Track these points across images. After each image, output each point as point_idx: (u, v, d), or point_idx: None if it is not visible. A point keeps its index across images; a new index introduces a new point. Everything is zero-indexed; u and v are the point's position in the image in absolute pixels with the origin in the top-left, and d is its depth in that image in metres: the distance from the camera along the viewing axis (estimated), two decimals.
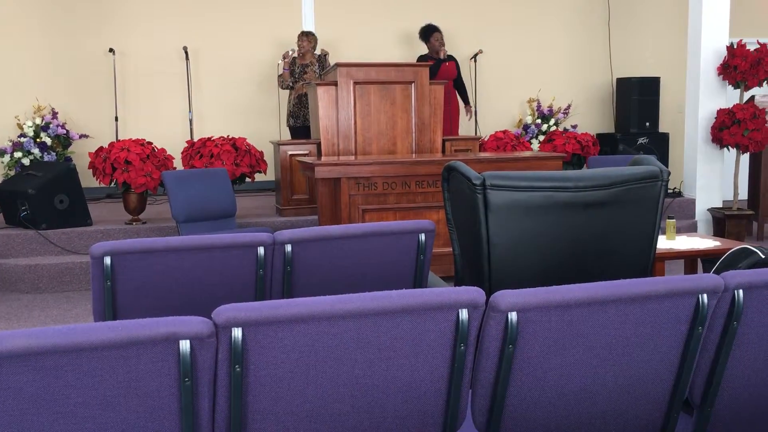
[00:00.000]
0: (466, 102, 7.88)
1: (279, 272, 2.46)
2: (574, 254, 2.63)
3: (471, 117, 8.00)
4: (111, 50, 7.80)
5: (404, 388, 1.63)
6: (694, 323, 1.71)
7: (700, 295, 1.70)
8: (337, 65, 6.01)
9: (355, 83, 5.93)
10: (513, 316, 1.58)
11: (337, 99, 5.92)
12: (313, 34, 7.52)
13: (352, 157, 5.70)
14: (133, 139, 6.03)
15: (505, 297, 1.59)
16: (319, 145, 6.03)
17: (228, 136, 6.32)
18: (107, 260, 2.30)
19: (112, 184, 5.90)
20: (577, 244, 2.62)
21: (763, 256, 2.26)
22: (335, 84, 5.93)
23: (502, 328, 1.59)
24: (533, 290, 1.62)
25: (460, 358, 1.60)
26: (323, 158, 5.65)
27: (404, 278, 2.61)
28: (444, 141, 6.23)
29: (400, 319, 1.54)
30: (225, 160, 6.02)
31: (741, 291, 1.71)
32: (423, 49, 7.85)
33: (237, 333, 1.47)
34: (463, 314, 1.55)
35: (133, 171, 5.71)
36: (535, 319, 1.62)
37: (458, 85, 7.85)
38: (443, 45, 7.72)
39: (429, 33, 7.75)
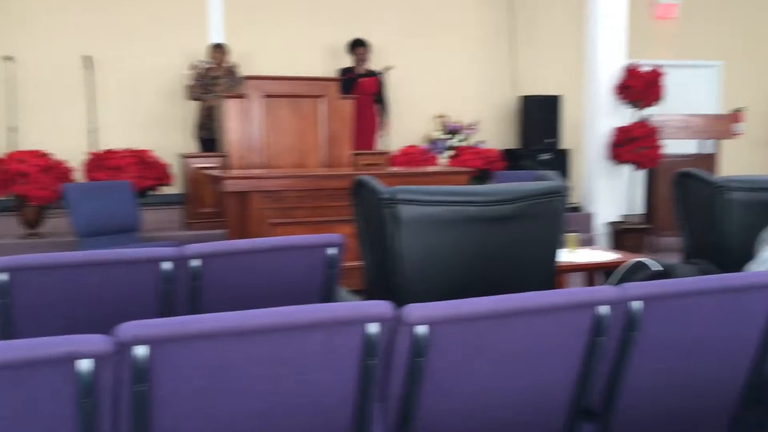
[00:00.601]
0: (384, 119, 7.96)
1: (185, 288, 2.41)
2: (481, 268, 2.68)
3: (386, 134, 8.08)
4: (9, 58, 7.48)
5: (314, 403, 1.62)
6: (593, 334, 1.77)
7: (599, 307, 1.76)
8: (247, 78, 5.95)
9: (265, 96, 5.89)
10: (422, 329, 1.60)
11: (246, 112, 5.87)
12: (224, 46, 7.43)
13: (262, 171, 5.65)
14: (31, 150, 5.80)
15: (413, 310, 1.60)
16: (227, 158, 5.94)
17: (133, 148, 6.16)
18: (4, 276, 2.20)
19: (8, 197, 5.65)
20: (484, 257, 2.67)
21: (658, 269, 2.36)
22: (244, 97, 5.87)
23: (411, 342, 1.60)
24: (442, 303, 1.64)
25: (369, 371, 1.60)
26: (232, 171, 5.58)
27: (313, 293, 2.60)
28: (354, 155, 6.25)
29: (309, 334, 1.54)
30: (129, 172, 5.86)
31: (638, 302, 1.78)
32: (346, 61, 7.89)
33: (141, 351, 1.43)
34: (372, 328, 1.56)
35: (31, 183, 5.49)
36: (444, 331, 1.64)
37: (380, 101, 7.93)
38: (365, 60, 7.78)
39: (353, 47, 7.80)
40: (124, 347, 1.42)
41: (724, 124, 8.05)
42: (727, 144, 8.62)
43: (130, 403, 1.45)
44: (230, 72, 7.33)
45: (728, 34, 10.20)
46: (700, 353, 1.93)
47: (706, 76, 10.45)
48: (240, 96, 5.89)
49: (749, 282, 1.93)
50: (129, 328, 1.42)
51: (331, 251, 2.56)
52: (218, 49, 7.35)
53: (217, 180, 5.12)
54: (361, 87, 7.68)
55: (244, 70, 7.24)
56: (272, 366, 1.54)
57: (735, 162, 9.33)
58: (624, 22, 7.58)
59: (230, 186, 4.95)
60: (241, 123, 5.86)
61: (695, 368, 1.94)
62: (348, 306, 1.58)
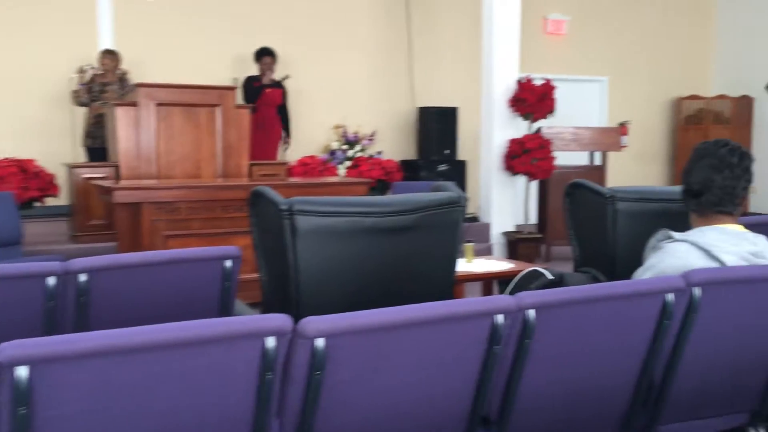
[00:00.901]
0: (287, 129, 7.91)
1: (72, 304, 2.30)
2: (380, 279, 2.68)
3: (287, 147, 8.03)
4: None
5: (212, 421, 1.57)
6: (490, 342, 1.79)
7: (495, 316, 1.79)
8: (138, 86, 5.77)
9: (158, 105, 5.73)
10: (320, 342, 1.57)
11: (137, 120, 5.68)
12: (115, 53, 7.18)
13: (154, 181, 5.48)
14: None
15: (312, 323, 1.58)
16: (117, 168, 5.74)
17: (15, 157, 5.86)
18: None
19: None
20: (383, 268, 2.67)
21: (551, 277, 2.42)
22: (136, 105, 5.69)
23: (310, 355, 1.58)
24: (340, 316, 1.62)
25: (267, 386, 1.57)
26: (123, 182, 5.39)
27: (209, 307, 2.53)
28: (251, 165, 6.16)
29: (204, 350, 1.49)
30: (11, 183, 5.58)
31: (532, 311, 1.82)
32: (252, 70, 7.79)
33: (22, 372, 1.34)
34: (270, 342, 1.53)
35: None
36: (343, 344, 1.62)
37: (282, 112, 7.88)
38: (271, 70, 7.71)
39: (259, 56, 7.72)
40: (3, 368, 1.33)
41: (611, 137, 8.42)
42: (613, 156, 9.00)
43: (10, 427, 1.37)
44: (121, 79, 7.08)
45: (613, 51, 10.69)
46: (591, 359, 1.98)
47: (594, 91, 10.90)
48: (131, 104, 5.71)
49: (637, 289, 2.00)
50: (8, 348, 1.34)
51: (228, 264, 2.50)
52: (108, 55, 7.10)
53: (106, 191, 4.94)
54: (266, 97, 7.62)
55: (140, 79, 7.01)
56: (165, 384, 1.48)
57: (620, 173, 9.76)
58: (517, 37, 7.81)
59: (121, 197, 4.78)
60: (132, 132, 5.68)
61: (587, 373, 1.99)
62: (244, 320, 1.54)
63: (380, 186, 7.60)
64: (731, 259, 2.26)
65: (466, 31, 8.96)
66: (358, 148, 8.67)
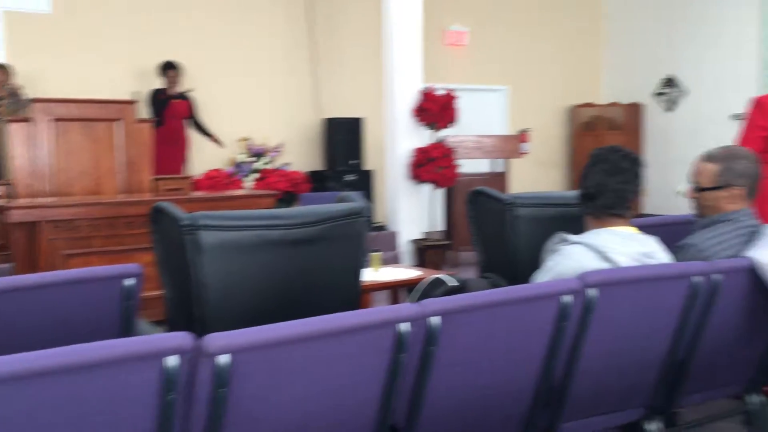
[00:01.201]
0: (210, 135, 7.91)
1: None
2: (287, 292, 2.67)
3: (222, 144, 8.02)
4: None
5: None
6: (395, 351, 1.82)
7: (400, 324, 1.81)
8: (33, 101, 5.57)
9: (55, 120, 5.53)
10: (224, 358, 1.56)
11: (33, 137, 5.47)
12: (5, 67, 6.90)
13: (52, 199, 5.29)
14: None
15: (214, 340, 1.56)
16: (12, 186, 5.51)
17: None
18: None
19: None
20: (289, 281, 2.66)
21: (454, 284, 2.47)
22: (30, 120, 5.48)
23: (213, 372, 1.56)
24: (244, 331, 1.61)
25: (169, 407, 1.54)
26: (18, 200, 5.18)
27: (110, 327, 2.46)
28: (155, 180, 6.02)
29: (102, 373, 1.45)
30: None
31: (436, 318, 1.85)
32: (156, 83, 7.66)
33: None
34: (171, 361, 1.50)
35: None
36: (247, 359, 1.61)
37: (194, 124, 7.84)
38: (176, 82, 7.62)
39: (164, 69, 7.62)
40: None
41: (513, 144, 8.65)
42: (515, 162, 9.25)
43: None
44: (13, 93, 6.80)
45: (512, 62, 10.99)
46: (494, 362, 2.03)
47: (495, 100, 11.18)
48: (25, 119, 5.50)
49: (535, 292, 2.07)
50: None
51: (129, 282, 2.44)
52: (1, 69, 6.82)
53: (0, 210, 4.73)
54: (173, 109, 7.51)
55: (37, 94, 6.74)
56: (60, 412, 1.43)
57: (523, 179, 10.04)
58: (419, 48, 7.93)
59: (16, 216, 4.60)
60: (27, 148, 5.46)
61: (491, 377, 2.04)
62: (143, 340, 1.50)
63: (288, 198, 7.56)
64: (623, 260, 2.36)
65: (369, 42, 9.03)
66: (264, 160, 8.60)
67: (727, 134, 3.54)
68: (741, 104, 8.74)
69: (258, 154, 8.60)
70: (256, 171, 8.46)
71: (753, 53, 9.98)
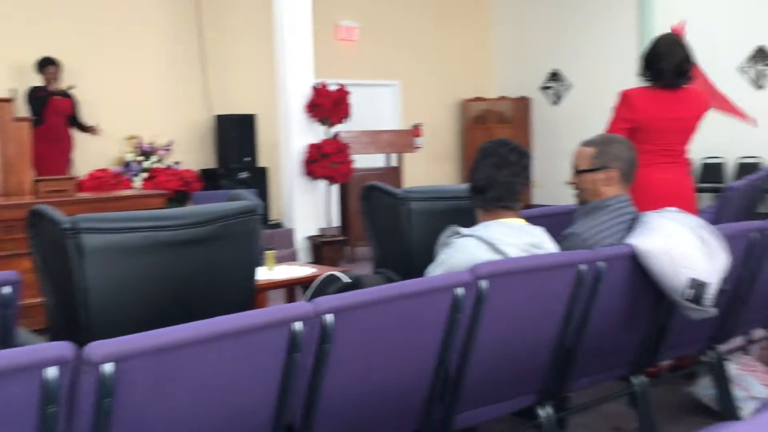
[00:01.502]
0: (87, 129, 7.61)
1: None
2: (179, 294, 2.59)
3: (96, 132, 7.69)
4: None
5: None
6: (290, 350, 1.79)
7: (294, 323, 1.79)
8: None
9: None
10: (108, 367, 1.49)
11: None
12: None
13: None
14: None
15: (98, 348, 1.49)
16: None
17: None
18: None
19: None
20: (181, 283, 2.59)
21: (348, 281, 2.47)
22: None
23: (97, 382, 1.49)
24: (129, 337, 1.55)
25: (49, 420, 1.46)
26: None
27: None
28: (36, 181, 5.73)
29: None
30: None
31: (329, 315, 1.84)
32: (35, 80, 7.28)
33: None
34: (50, 372, 1.42)
35: None
36: (134, 366, 1.55)
37: (76, 122, 7.51)
38: (55, 79, 7.28)
39: (42, 66, 7.26)
40: None
41: (406, 139, 8.73)
42: (409, 156, 9.35)
43: None
44: None
45: (403, 57, 11.10)
46: (390, 357, 2.04)
47: (387, 95, 11.26)
48: None
49: (428, 286, 2.09)
50: None
51: (6, 290, 2.30)
52: None
53: None
54: (54, 107, 7.18)
55: None
56: None
57: (416, 173, 10.16)
58: (309, 43, 7.88)
59: None
60: None
61: (387, 372, 2.05)
62: (20, 351, 1.42)
63: (179, 197, 7.36)
64: (513, 251, 2.42)
65: (260, 37, 8.91)
66: (154, 158, 8.35)
67: None
68: None
69: (147, 153, 8.34)
70: (145, 170, 8.19)
71: (632, 48, 10.44)
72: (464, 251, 2.42)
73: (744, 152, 9.72)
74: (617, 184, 2.85)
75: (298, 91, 7.75)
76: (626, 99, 3.54)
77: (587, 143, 2.94)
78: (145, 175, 8.03)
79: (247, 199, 2.81)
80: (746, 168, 9.51)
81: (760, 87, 9.65)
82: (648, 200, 3.22)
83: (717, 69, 9.66)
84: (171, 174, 7.74)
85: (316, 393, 1.90)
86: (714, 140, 9.66)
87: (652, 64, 3.57)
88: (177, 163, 8.45)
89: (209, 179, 8.39)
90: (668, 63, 3.52)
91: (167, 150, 8.50)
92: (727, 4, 9.85)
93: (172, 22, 8.89)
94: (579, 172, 2.90)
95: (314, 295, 2.30)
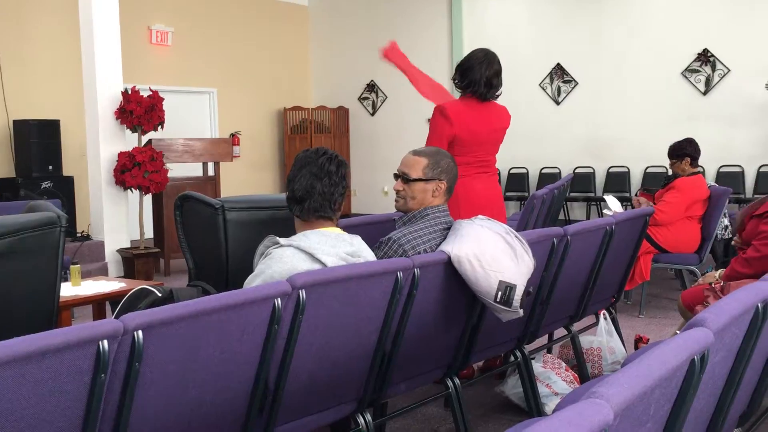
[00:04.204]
0: None
1: None
2: None
3: None
4: None
5: None
6: (96, 372, 1.67)
7: (100, 342, 1.67)
8: None
9: None
10: None
11: None
12: None
13: None
14: None
15: None
16: None
17: None
18: None
19: None
20: None
21: (160, 295, 2.36)
22: None
23: None
24: None
25: None
26: None
27: None
28: None
29: None
30: None
31: (140, 332, 1.74)
32: None
33: None
34: None
35: None
36: None
37: None
38: None
39: None
40: None
41: (223, 148, 8.54)
42: (227, 166, 9.18)
43: None
44: None
45: (219, 64, 10.90)
46: (207, 373, 1.96)
47: (204, 102, 11.00)
48: None
49: (246, 297, 2.03)
50: None
51: None
52: None
53: None
54: None
55: None
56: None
57: (235, 182, 10.00)
58: (118, 46, 7.51)
59: None
60: None
61: (203, 388, 1.97)
62: None
63: None
64: (331, 260, 2.41)
65: (64, 38, 8.40)
66: None
67: (424, 137, 3.79)
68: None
69: None
70: None
71: (444, 60, 10.90)
72: (282, 261, 2.38)
73: (545, 163, 10.43)
74: (442, 196, 2.96)
75: (107, 96, 7.37)
76: (443, 113, 3.65)
77: (419, 153, 3.00)
78: None
79: (47, 210, 2.62)
80: (547, 177, 10.21)
81: (558, 103, 10.39)
82: (468, 210, 3.38)
83: (520, 85, 10.35)
84: None
85: (127, 415, 1.78)
86: (518, 151, 10.32)
87: (466, 75, 3.72)
88: None
89: (6, 189, 7.77)
90: (481, 75, 3.68)
91: None
92: (529, 24, 10.53)
93: None
94: (409, 181, 2.95)
95: (124, 311, 2.17)
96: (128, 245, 7.65)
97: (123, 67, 7.58)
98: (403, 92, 11.54)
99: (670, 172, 5.80)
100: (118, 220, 7.60)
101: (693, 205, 5.45)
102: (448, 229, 2.88)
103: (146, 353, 1.76)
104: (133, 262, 7.26)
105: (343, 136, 11.98)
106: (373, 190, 11.80)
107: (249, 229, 3.06)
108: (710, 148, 8.11)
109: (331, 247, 2.45)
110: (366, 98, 12.00)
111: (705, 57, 9.28)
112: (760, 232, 3.36)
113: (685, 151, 5.56)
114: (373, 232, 3.24)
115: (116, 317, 1.78)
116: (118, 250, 7.53)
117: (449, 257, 2.65)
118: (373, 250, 2.67)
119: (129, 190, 7.44)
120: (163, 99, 7.48)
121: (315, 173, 2.54)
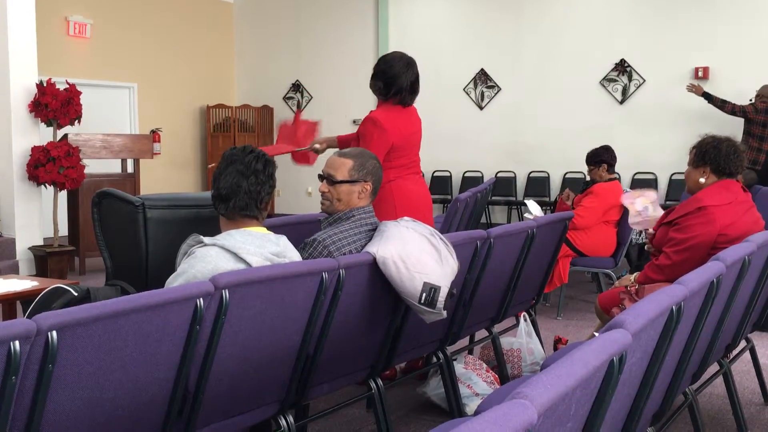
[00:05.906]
0: None
1: None
2: None
3: None
4: None
5: None
6: (6, 373, 1.60)
7: (12, 342, 1.60)
8: None
9: None
10: None
11: None
12: None
13: None
14: None
15: None
16: None
17: None
18: None
19: None
20: None
21: (76, 294, 2.27)
22: None
23: None
24: None
25: None
26: None
27: None
28: None
29: None
30: None
31: (54, 332, 1.67)
32: None
33: None
34: None
35: None
36: None
37: None
38: None
39: None
40: None
41: (143, 144, 8.33)
42: (147, 163, 8.96)
43: None
44: None
45: (140, 58, 10.65)
46: (125, 374, 1.90)
47: (124, 97, 10.71)
48: None
49: (167, 297, 1.97)
50: None
51: None
52: None
53: None
54: None
55: None
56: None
57: (155, 180, 9.78)
58: (33, 37, 7.24)
59: None
60: None
61: (120, 390, 1.91)
62: None
63: None
64: (256, 260, 2.38)
65: None
66: None
67: None
68: (360, 109, 9.49)
69: None
70: None
71: (369, 62, 10.92)
72: (206, 260, 2.33)
73: (468, 166, 10.58)
74: (368, 197, 2.96)
75: (20, 88, 7.09)
76: (376, 124, 3.62)
77: (344, 155, 2.99)
78: None
79: None
80: (470, 181, 10.36)
81: (481, 108, 10.56)
82: (404, 210, 3.43)
83: (445, 89, 10.48)
84: None
85: (37, 419, 1.71)
86: (442, 155, 10.44)
87: (393, 83, 3.71)
88: None
89: None
90: (407, 82, 3.69)
91: None
92: (455, 29, 10.66)
93: None
94: (335, 182, 2.93)
95: (37, 311, 2.09)
96: (41, 243, 7.38)
97: (38, 59, 7.31)
98: (329, 93, 11.53)
99: (588, 178, 5.96)
100: (30, 216, 7.32)
101: (609, 210, 5.62)
102: (374, 230, 2.88)
103: (60, 355, 1.70)
104: (46, 260, 7.01)
105: (268, 135, 11.86)
106: (297, 191, 11.73)
107: (171, 228, 2.99)
108: (626, 156, 8.38)
109: (257, 247, 2.42)
110: (291, 98, 11.91)
111: (622, 67, 9.59)
112: (670, 239, 3.48)
113: (602, 157, 5.72)
114: (299, 232, 3.21)
115: (29, 317, 1.71)
116: (30, 248, 7.25)
117: (374, 258, 2.65)
118: (298, 251, 2.65)
119: (43, 186, 7.17)
120: (80, 93, 7.24)
121: (241, 171, 2.50)
